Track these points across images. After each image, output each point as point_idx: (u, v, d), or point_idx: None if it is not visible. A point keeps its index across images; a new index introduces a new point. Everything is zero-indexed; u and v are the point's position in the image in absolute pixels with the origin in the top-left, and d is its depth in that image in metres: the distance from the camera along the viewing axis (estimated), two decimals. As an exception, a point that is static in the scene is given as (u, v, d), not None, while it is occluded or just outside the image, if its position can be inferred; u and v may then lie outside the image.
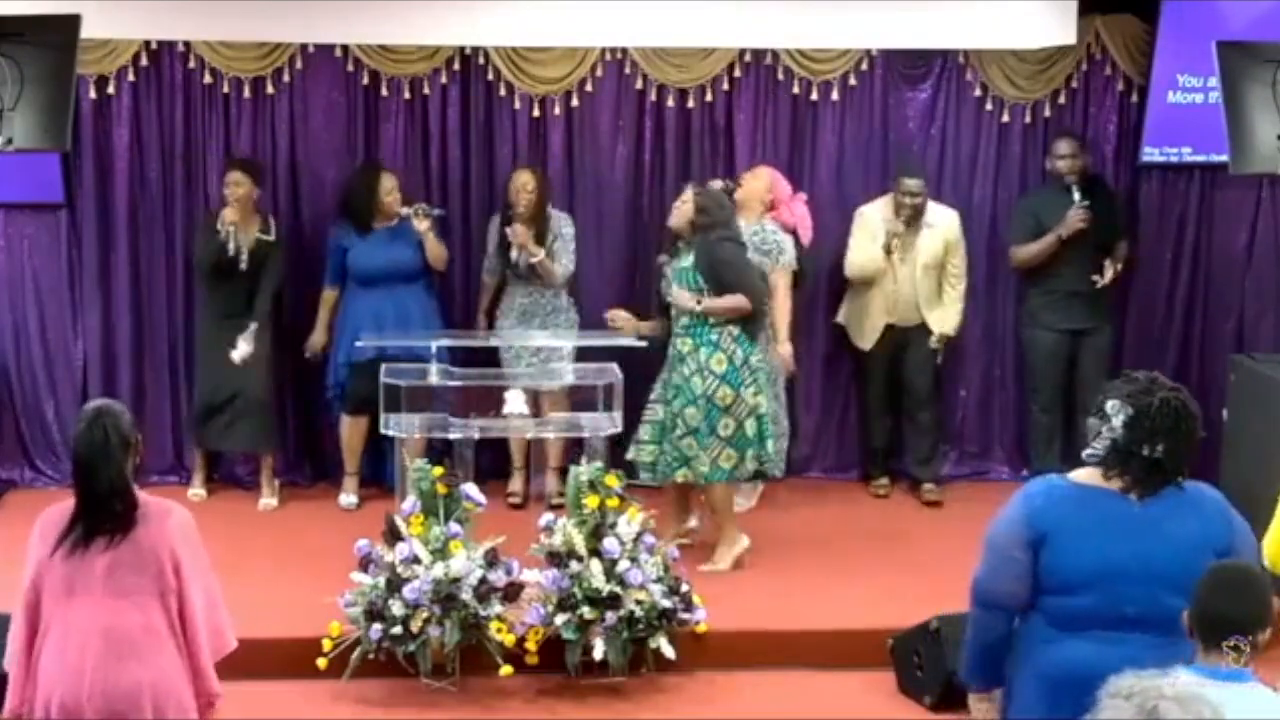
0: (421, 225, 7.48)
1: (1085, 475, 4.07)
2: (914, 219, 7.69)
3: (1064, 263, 7.76)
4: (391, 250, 7.56)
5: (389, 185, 7.59)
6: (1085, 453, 4.07)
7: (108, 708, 4.12)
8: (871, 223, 7.76)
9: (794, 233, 7.60)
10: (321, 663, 5.96)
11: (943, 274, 7.80)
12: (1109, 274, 7.76)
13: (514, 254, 7.54)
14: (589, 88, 7.92)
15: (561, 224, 7.65)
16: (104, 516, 4.15)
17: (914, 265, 7.74)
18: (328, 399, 7.82)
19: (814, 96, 8.00)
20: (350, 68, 7.80)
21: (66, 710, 4.13)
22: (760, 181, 7.56)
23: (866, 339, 7.91)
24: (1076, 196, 7.66)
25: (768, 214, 7.54)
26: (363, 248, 7.59)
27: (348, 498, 7.74)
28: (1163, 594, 3.88)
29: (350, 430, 7.70)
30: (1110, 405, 4.00)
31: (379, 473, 7.81)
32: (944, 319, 7.81)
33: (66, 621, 4.16)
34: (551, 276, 7.57)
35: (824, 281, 8.13)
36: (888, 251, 7.68)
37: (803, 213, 7.67)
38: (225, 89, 7.76)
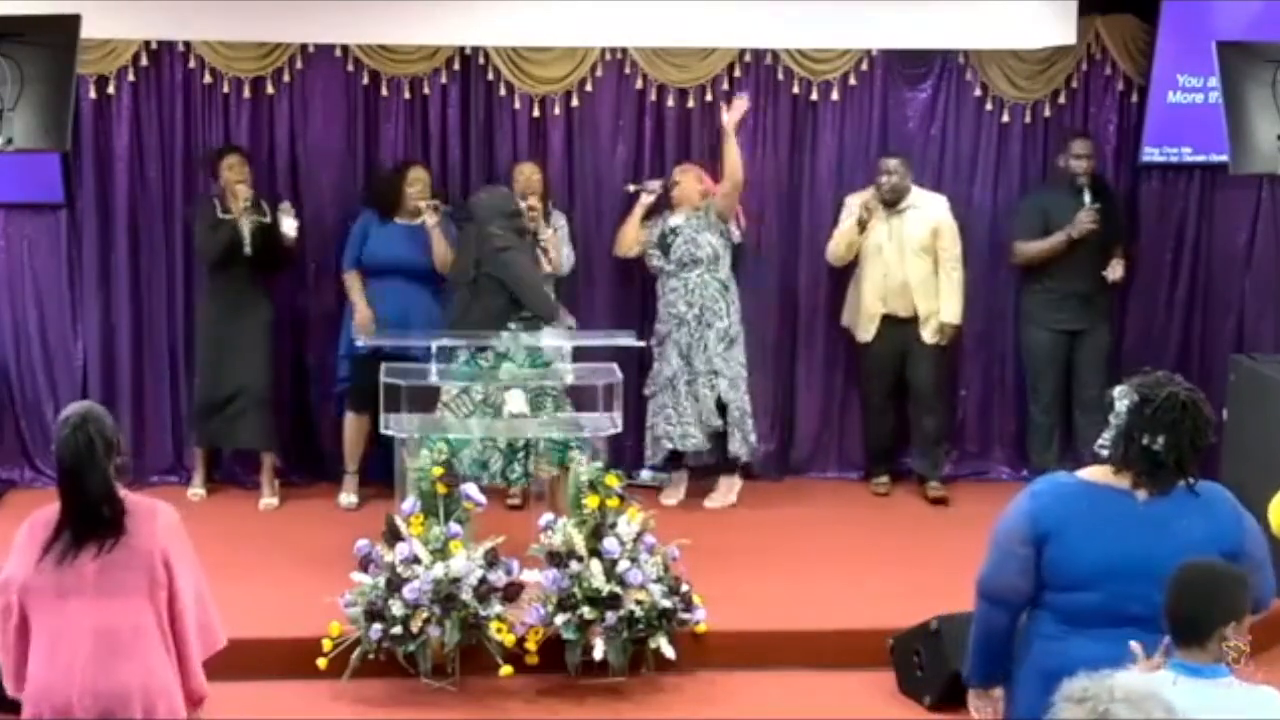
0: (431, 220, 7.47)
1: (1093, 473, 4.07)
2: (892, 200, 7.69)
3: (1061, 263, 7.78)
4: (404, 245, 7.56)
5: (414, 178, 7.58)
6: (1096, 444, 4.08)
7: (98, 707, 4.11)
8: (854, 208, 7.78)
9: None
10: (321, 663, 5.96)
11: (936, 261, 7.79)
12: (1119, 270, 7.76)
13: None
14: (589, 88, 7.91)
15: (559, 219, 7.72)
16: (92, 523, 4.14)
17: (902, 249, 7.73)
18: (335, 393, 7.82)
19: (814, 96, 8.00)
20: (350, 68, 7.80)
21: (57, 710, 4.12)
22: (691, 177, 7.68)
23: (865, 330, 7.89)
24: (1087, 199, 7.66)
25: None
26: (379, 237, 7.59)
27: (348, 497, 7.73)
28: None
29: (353, 427, 7.70)
30: (1118, 391, 4.02)
31: (385, 471, 7.82)
32: (943, 307, 7.80)
33: (58, 623, 4.14)
34: (558, 259, 7.59)
35: (824, 283, 8.14)
36: (861, 226, 7.68)
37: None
38: (225, 89, 7.75)
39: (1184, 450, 3.95)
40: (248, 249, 7.45)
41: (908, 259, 7.74)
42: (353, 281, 7.67)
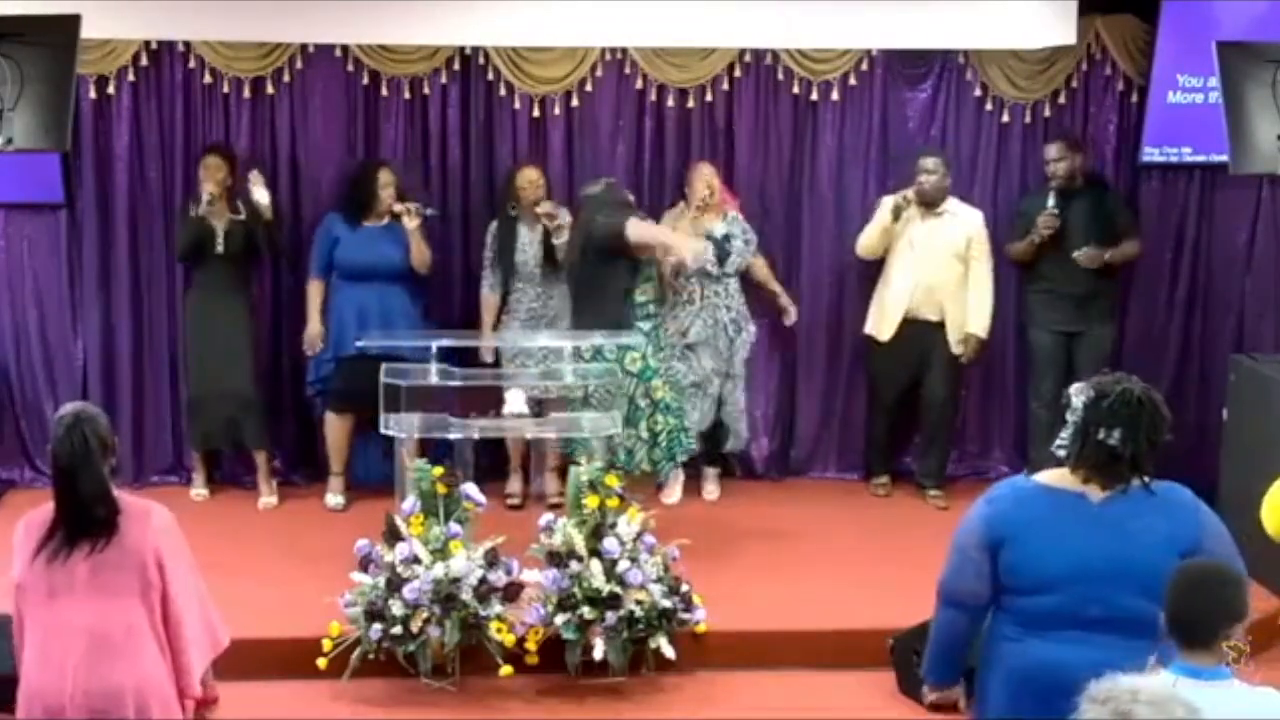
0: (411, 224, 7.46)
1: (1051, 476, 4.09)
2: (929, 201, 7.67)
3: (1053, 265, 7.80)
4: (379, 247, 7.54)
5: (385, 180, 7.57)
6: (1054, 444, 4.09)
7: (90, 707, 4.12)
8: (889, 207, 7.75)
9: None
10: (321, 663, 5.96)
11: (967, 271, 7.77)
12: (1085, 255, 7.68)
13: (519, 248, 7.58)
14: (589, 88, 7.91)
15: (565, 216, 7.67)
16: (86, 523, 4.14)
17: (934, 252, 7.71)
18: (308, 396, 7.82)
19: (814, 96, 8.00)
20: (350, 68, 7.80)
21: (50, 710, 4.13)
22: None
23: (885, 331, 7.86)
24: (1050, 202, 7.69)
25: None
26: (351, 242, 7.56)
27: (334, 498, 7.70)
28: (1127, 595, 3.89)
29: (336, 428, 7.69)
30: (1074, 389, 4.06)
31: (370, 473, 7.82)
32: (971, 318, 7.78)
33: (50, 622, 4.16)
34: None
35: (825, 282, 8.14)
36: (895, 216, 7.64)
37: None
38: (225, 89, 7.75)
39: (1140, 445, 3.94)
40: (220, 247, 7.46)
41: (938, 262, 7.71)
42: (314, 292, 7.65)
